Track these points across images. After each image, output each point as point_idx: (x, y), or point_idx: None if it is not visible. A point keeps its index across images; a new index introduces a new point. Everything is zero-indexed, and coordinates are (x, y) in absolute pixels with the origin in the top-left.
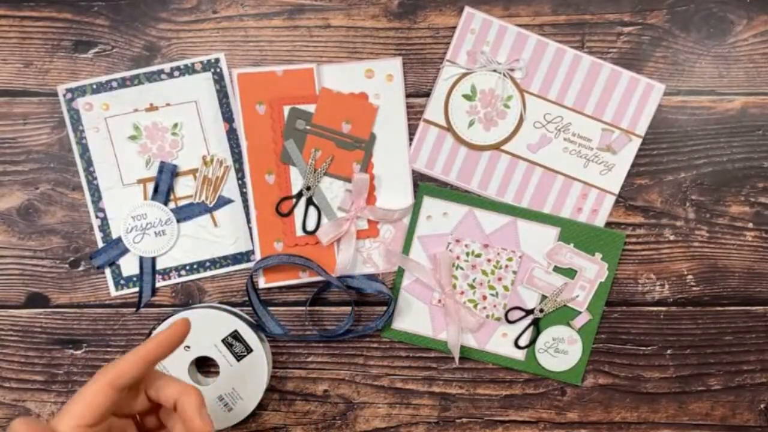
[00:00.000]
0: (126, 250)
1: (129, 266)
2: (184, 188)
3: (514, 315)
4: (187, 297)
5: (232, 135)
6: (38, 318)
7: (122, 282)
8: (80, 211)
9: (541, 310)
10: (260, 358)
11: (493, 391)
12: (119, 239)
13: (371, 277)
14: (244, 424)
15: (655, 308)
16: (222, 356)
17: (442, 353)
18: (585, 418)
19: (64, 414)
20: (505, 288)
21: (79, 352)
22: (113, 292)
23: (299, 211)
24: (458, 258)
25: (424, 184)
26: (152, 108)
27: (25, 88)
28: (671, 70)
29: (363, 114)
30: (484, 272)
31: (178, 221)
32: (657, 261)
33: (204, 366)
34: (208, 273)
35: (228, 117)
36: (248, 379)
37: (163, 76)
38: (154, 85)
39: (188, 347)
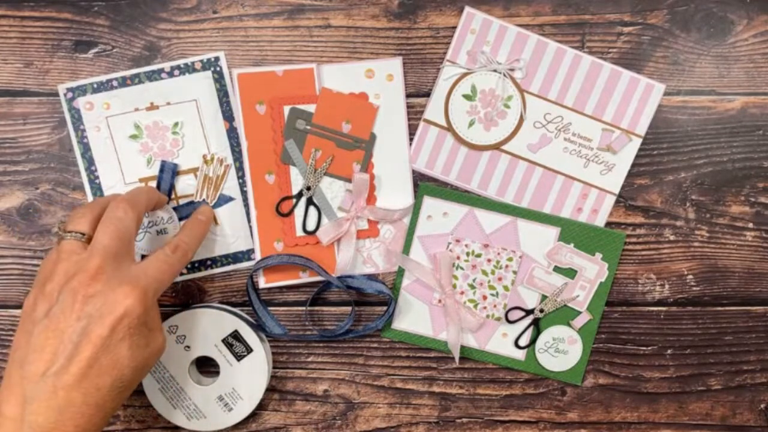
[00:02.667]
0: None
1: None
2: (185, 187)
3: (514, 315)
4: (187, 297)
5: (232, 134)
6: None
7: None
8: None
9: (541, 310)
10: (260, 358)
11: (493, 391)
12: None
13: (371, 277)
14: (244, 424)
15: (655, 308)
16: (222, 356)
17: (442, 353)
18: (585, 418)
19: (148, 274)
20: (506, 288)
21: None
22: None
23: (299, 211)
24: (458, 258)
25: (424, 184)
26: (153, 107)
27: (25, 88)
28: (671, 70)
29: (363, 114)
30: (484, 272)
31: (180, 220)
32: (657, 261)
33: (204, 366)
34: (209, 271)
35: (228, 116)
36: (248, 379)
37: (163, 75)
38: (154, 84)
39: (188, 347)
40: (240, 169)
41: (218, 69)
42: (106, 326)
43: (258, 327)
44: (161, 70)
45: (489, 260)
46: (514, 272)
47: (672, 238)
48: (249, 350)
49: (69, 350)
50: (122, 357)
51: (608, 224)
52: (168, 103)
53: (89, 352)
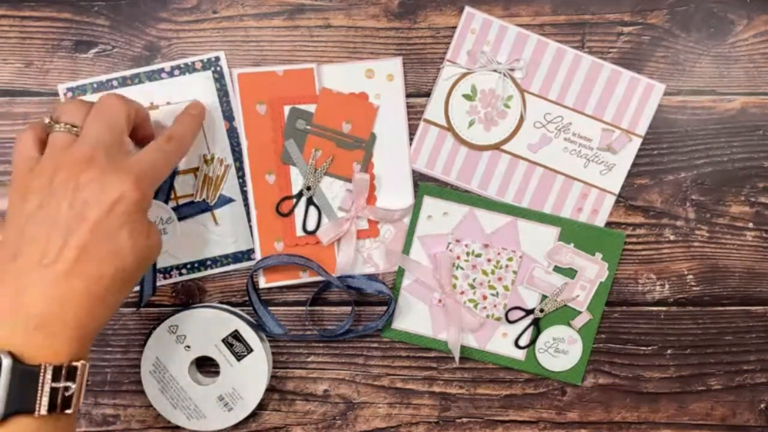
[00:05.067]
0: None
1: None
2: (185, 187)
3: (515, 315)
4: (188, 297)
5: (232, 134)
6: None
7: None
8: None
9: (542, 310)
10: (260, 358)
11: (493, 391)
12: None
13: (371, 277)
14: (244, 424)
15: (655, 308)
16: (222, 356)
17: (442, 353)
18: (585, 418)
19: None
20: (506, 288)
21: None
22: None
23: (299, 211)
24: (458, 258)
25: (424, 184)
26: (153, 107)
27: (25, 88)
28: (671, 70)
29: (363, 114)
30: (484, 272)
31: (179, 220)
32: (657, 261)
33: (204, 366)
34: (209, 271)
35: (228, 115)
36: (248, 379)
37: (163, 74)
38: (154, 84)
39: (188, 347)
40: (240, 169)
41: (218, 69)
42: (102, 209)
43: (258, 327)
44: (161, 70)
45: (489, 260)
46: (514, 272)
47: (672, 238)
48: (249, 350)
49: (64, 236)
50: (124, 244)
51: (608, 224)
52: (168, 103)
53: (85, 235)
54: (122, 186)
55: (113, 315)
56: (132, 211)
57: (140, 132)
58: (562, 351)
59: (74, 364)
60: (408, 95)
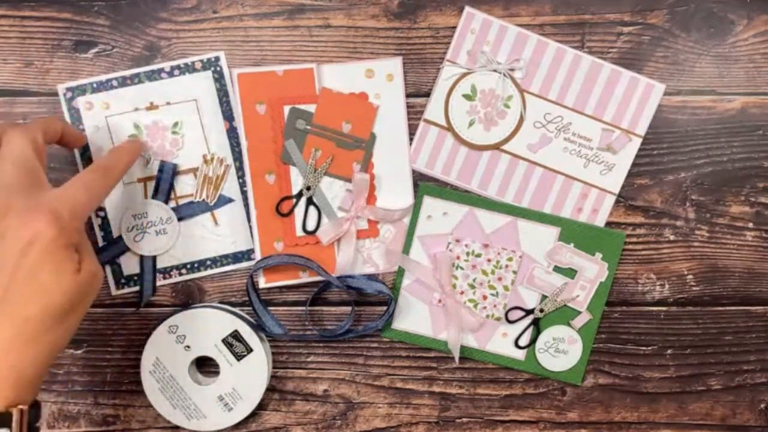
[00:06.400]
0: (126, 249)
1: (130, 265)
2: (185, 187)
3: (514, 315)
4: (187, 297)
5: (232, 134)
6: None
7: (123, 281)
8: None
9: (541, 310)
10: (260, 358)
11: (493, 391)
12: (120, 238)
13: (371, 277)
14: (244, 424)
15: (655, 308)
16: (222, 356)
17: (442, 353)
18: (585, 418)
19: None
20: (505, 288)
21: (79, 351)
22: (114, 291)
23: (299, 211)
24: (458, 258)
25: (424, 184)
26: (152, 107)
27: (25, 88)
28: (671, 70)
29: (363, 114)
30: (484, 272)
31: (179, 220)
32: (657, 261)
33: (204, 366)
34: (209, 271)
35: (228, 116)
36: (248, 379)
37: (163, 74)
38: (154, 84)
39: (188, 347)
40: (240, 169)
41: (218, 69)
42: (17, 251)
43: (258, 327)
44: (161, 70)
45: (489, 260)
46: (514, 272)
47: (672, 238)
48: (249, 350)
49: None
50: (47, 282)
51: (608, 224)
52: (168, 103)
53: (5, 280)
54: (36, 225)
55: (57, 355)
56: (52, 249)
57: (66, 140)
58: (562, 351)
59: (10, 410)
60: (408, 95)
